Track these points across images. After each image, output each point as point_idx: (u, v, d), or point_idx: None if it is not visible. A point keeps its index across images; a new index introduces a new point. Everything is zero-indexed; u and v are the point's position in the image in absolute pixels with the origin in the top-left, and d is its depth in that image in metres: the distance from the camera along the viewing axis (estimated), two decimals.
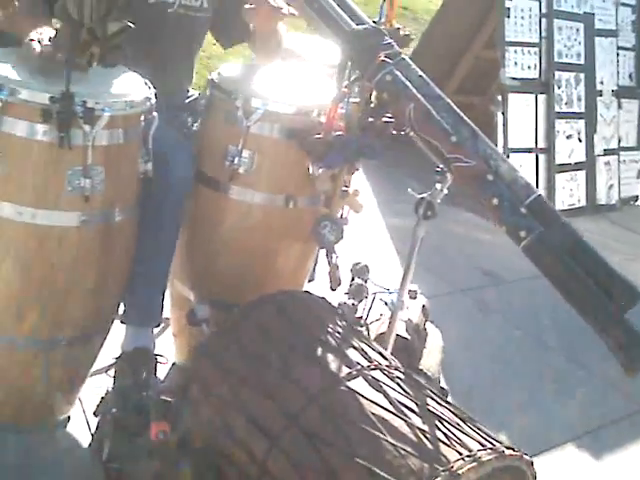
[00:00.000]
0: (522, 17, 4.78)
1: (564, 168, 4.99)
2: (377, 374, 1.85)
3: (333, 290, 2.34)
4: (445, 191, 2.20)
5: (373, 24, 2.14)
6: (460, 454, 1.64)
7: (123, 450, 1.97)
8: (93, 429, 2.17)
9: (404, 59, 2.13)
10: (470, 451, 1.65)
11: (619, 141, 5.43)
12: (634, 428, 3.00)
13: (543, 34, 4.88)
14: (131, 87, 1.98)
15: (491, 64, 4.99)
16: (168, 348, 2.49)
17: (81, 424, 2.30)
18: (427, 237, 2.25)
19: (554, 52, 4.92)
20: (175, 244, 2.32)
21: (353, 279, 2.60)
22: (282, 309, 2.01)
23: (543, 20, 4.87)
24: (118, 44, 1.76)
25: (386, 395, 1.79)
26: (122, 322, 2.30)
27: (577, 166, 5.10)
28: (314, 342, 1.93)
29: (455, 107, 2.11)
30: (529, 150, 4.83)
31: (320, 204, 2.41)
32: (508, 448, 1.70)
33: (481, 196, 1.98)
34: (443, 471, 1.59)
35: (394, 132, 2.20)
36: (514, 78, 4.75)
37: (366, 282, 2.64)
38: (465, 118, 2.10)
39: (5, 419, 2.15)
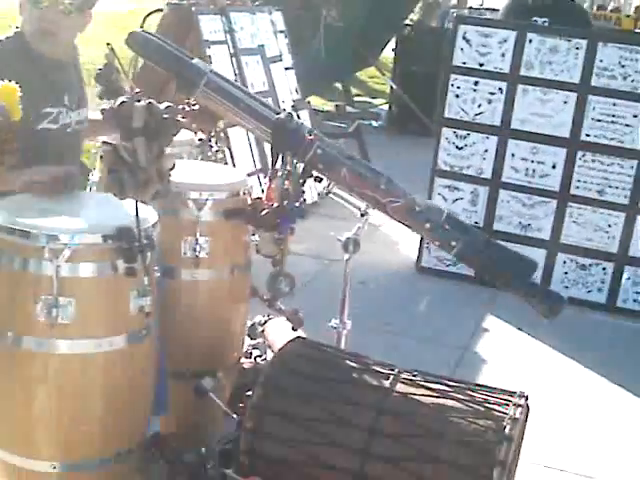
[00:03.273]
0: (217, 60, 5.38)
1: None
2: (405, 375, 2.40)
3: (295, 330, 2.80)
4: (365, 228, 2.78)
5: (287, 111, 2.63)
6: (506, 405, 2.27)
7: None
8: None
9: (318, 134, 2.66)
10: (509, 401, 2.29)
11: None
12: (471, 364, 3.84)
13: (236, 71, 5.54)
14: (146, 212, 2.23)
15: None
16: None
17: None
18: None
19: (248, 85, 5.60)
20: None
21: None
22: (304, 355, 2.44)
23: (233, 59, 5.53)
24: (170, 178, 2.04)
25: (426, 387, 2.35)
26: None
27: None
28: (347, 371, 2.41)
29: (363, 160, 2.69)
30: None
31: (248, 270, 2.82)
32: (521, 391, 2.37)
33: (416, 224, 2.61)
34: (508, 420, 2.22)
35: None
36: None
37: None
38: (375, 168, 2.70)
39: None
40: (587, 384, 3.74)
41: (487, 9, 14.80)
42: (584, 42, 4.59)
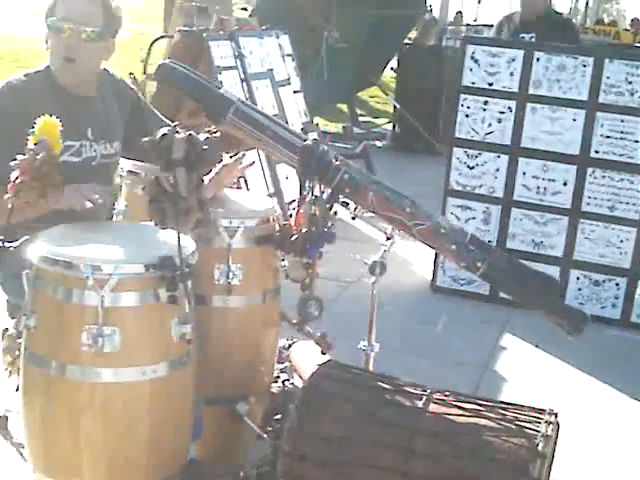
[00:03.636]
0: (228, 85, 5.45)
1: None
2: (437, 395, 2.44)
3: (324, 354, 2.84)
4: (390, 252, 2.83)
5: (313, 137, 2.69)
6: (538, 423, 2.32)
7: None
8: None
9: (343, 159, 2.72)
10: (540, 419, 2.34)
11: None
12: (492, 383, 3.86)
13: (247, 95, 5.61)
14: (185, 240, 2.28)
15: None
16: None
17: None
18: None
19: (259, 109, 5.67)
20: None
21: None
22: (337, 378, 2.49)
23: (244, 84, 5.61)
24: (209, 208, 2.10)
25: (458, 407, 2.39)
26: None
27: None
28: (380, 392, 2.45)
29: (388, 184, 2.75)
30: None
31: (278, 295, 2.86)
32: (550, 409, 2.42)
33: (442, 246, 2.66)
34: (540, 437, 2.26)
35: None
36: None
37: None
38: (399, 191, 2.76)
39: None
40: (606, 400, 3.78)
41: (484, 25, 14.92)
42: (591, 59, 4.65)
